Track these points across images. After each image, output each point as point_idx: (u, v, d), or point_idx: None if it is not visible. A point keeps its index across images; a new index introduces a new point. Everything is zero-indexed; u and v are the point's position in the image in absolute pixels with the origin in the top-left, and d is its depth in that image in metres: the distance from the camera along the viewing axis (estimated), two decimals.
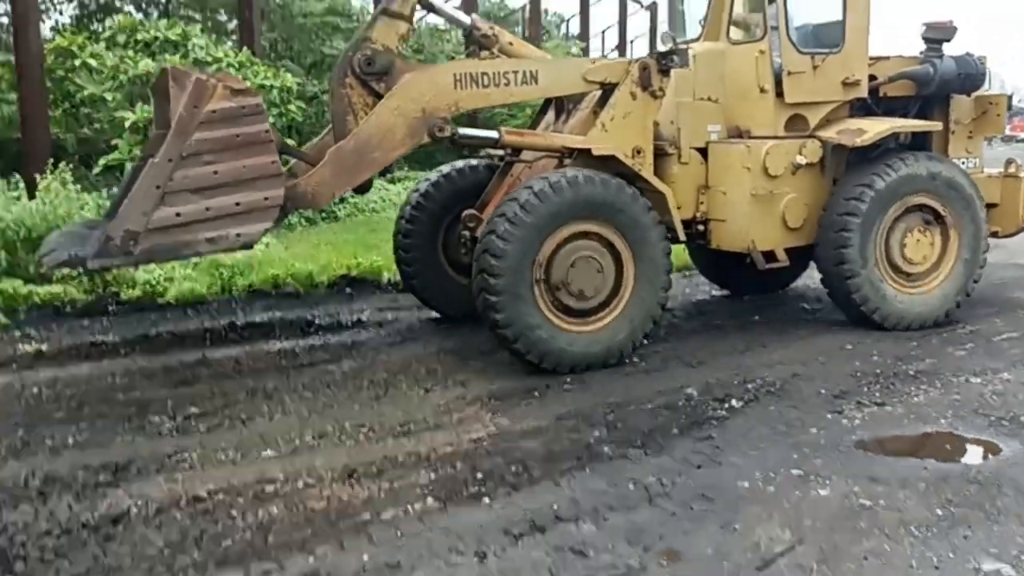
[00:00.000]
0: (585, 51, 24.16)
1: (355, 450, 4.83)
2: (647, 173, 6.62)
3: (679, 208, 6.82)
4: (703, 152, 7.15)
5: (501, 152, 6.87)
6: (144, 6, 16.74)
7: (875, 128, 7.04)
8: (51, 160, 9.15)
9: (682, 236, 6.77)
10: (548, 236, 5.99)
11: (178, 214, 5.15)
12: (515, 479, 4.40)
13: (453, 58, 20.40)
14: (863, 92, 7.32)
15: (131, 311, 8.00)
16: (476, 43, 7.07)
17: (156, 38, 11.85)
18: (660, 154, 6.92)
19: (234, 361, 6.59)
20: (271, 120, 11.17)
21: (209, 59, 11.94)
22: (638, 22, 31.95)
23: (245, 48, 13.06)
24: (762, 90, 7.09)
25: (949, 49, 7.70)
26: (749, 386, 5.76)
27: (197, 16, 16.90)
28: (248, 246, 5.57)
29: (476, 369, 6.36)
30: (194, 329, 7.41)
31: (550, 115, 7.43)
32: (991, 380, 5.77)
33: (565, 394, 5.78)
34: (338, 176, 5.97)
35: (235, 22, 15.63)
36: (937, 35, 7.67)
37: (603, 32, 32.26)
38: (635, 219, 6.22)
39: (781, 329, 7.41)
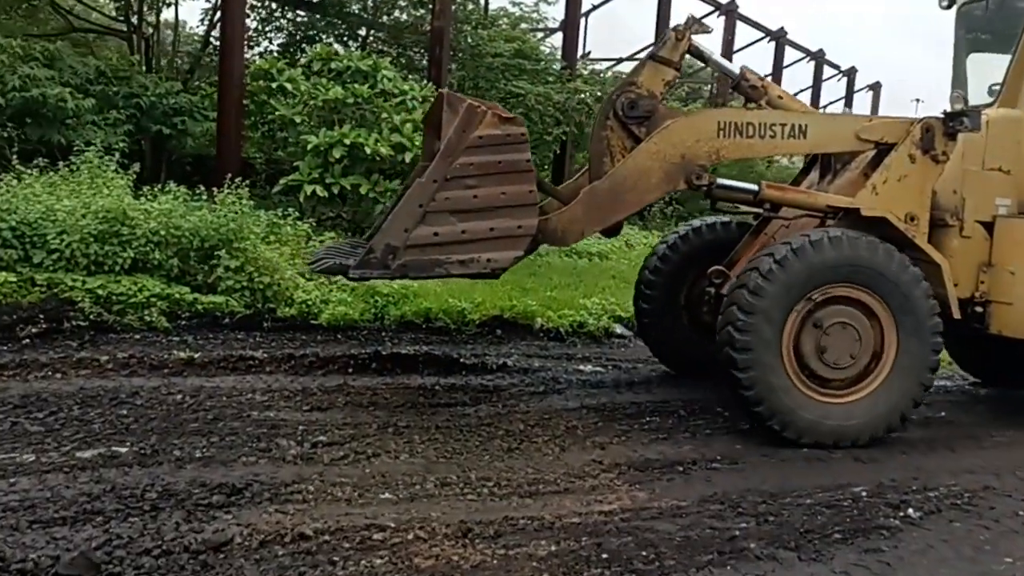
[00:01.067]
0: None
1: (476, 505, 4.48)
2: (921, 241, 6.10)
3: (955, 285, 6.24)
4: (988, 227, 6.54)
5: (752, 209, 6.67)
6: (345, 39, 17.46)
7: None
8: (235, 177, 9.46)
9: (957, 314, 6.16)
10: (803, 297, 5.64)
11: (436, 234, 5.29)
12: (644, 566, 3.91)
13: None
14: None
15: (284, 328, 8.06)
16: (744, 94, 6.84)
17: (348, 68, 12.21)
18: (938, 225, 6.42)
19: (372, 392, 6.43)
20: None
21: (396, 91, 12.19)
22: (833, 87, 30.75)
23: (430, 83, 13.28)
24: None
25: None
26: (930, 494, 4.99)
27: (392, 51, 17.47)
28: (496, 273, 5.57)
29: (618, 432, 5.90)
30: (340, 354, 7.33)
31: (814, 174, 7.10)
32: None
33: (713, 473, 5.22)
34: (589, 215, 5.91)
35: (427, 59, 16.01)
36: None
37: (796, 94, 31.10)
38: (902, 288, 5.73)
39: (973, 431, 6.51)
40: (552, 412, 6.28)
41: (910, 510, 4.72)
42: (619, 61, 23.98)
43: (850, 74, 30.19)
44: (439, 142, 5.75)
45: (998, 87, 6.98)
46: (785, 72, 27.88)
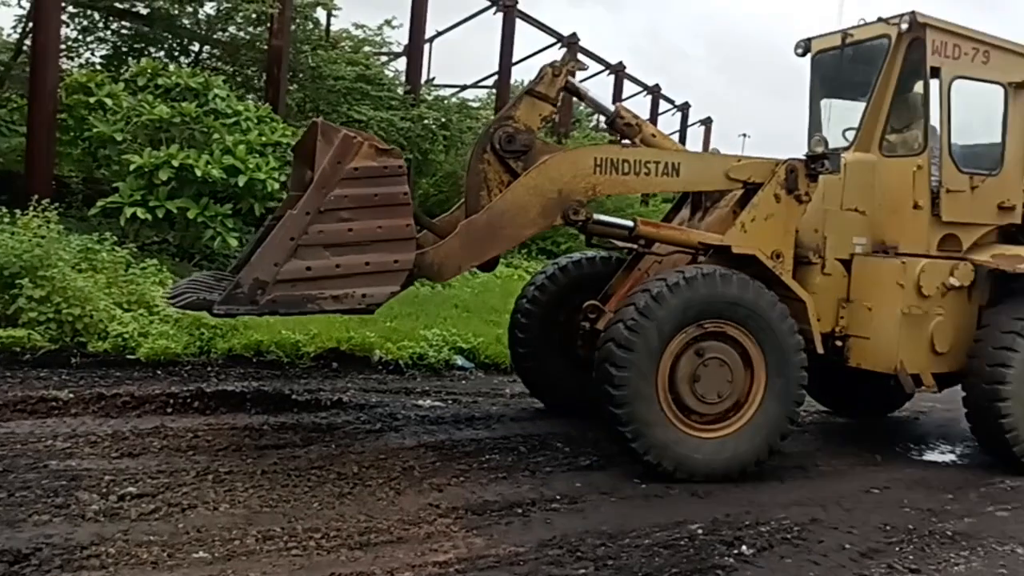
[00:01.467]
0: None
1: (301, 561, 4.15)
2: (788, 278, 6.28)
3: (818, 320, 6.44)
4: (846, 264, 6.86)
5: (626, 245, 6.75)
6: (176, 54, 16.58)
7: None
8: (45, 197, 8.67)
9: (821, 349, 6.40)
10: (678, 333, 5.71)
11: (308, 268, 5.06)
12: None
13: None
14: (1017, 218, 7.13)
15: (96, 365, 7.39)
16: (619, 132, 6.87)
17: (177, 84, 11.53)
18: (801, 262, 6.65)
19: (192, 434, 5.94)
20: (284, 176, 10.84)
21: (229, 111, 11.61)
22: (670, 120, 32.02)
23: (266, 104, 12.75)
24: (916, 206, 6.87)
25: None
26: (763, 529, 5.04)
27: (228, 69, 16.73)
28: (371, 309, 5.36)
29: (457, 472, 5.68)
30: (158, 393, 6.76)
31: (684, 211, 7.22)
32: None
33: (553, 515, 5.08)
34: (467, 249, 5.79)
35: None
36: None
37: None
38: (771, 324, 5.89)
39: (800, 461, 6.68)
40: (388, 452, 6.00)
41: (744, 547, 4.73)
42: (463, 88, 24.06)
43: (684, 109, 31.53)
44: (311, 172, 5.61)
45: (853, 131, 7.36)
46: (625, 104, 28.68)
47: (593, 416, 6.84)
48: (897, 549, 4.89)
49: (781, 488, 5.92)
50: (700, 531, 4.92)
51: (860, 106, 7.40)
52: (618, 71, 27.17)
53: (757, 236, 6.23)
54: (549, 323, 7.38)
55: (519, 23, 21.92)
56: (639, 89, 29.25)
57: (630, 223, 6.29)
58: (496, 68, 21.75)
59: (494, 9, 20.94)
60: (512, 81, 23.01)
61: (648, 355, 5.61)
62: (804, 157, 6.44)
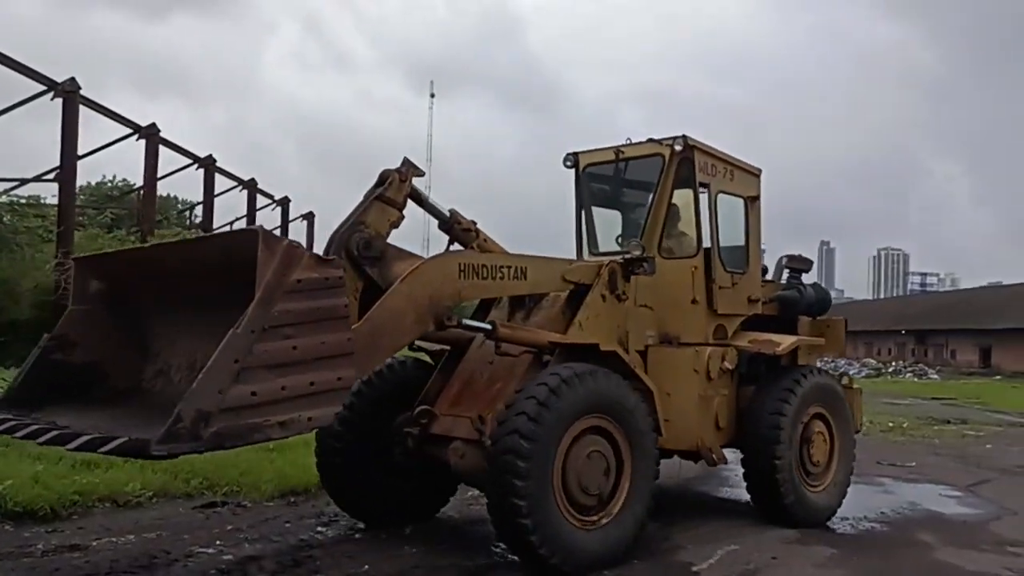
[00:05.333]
0: None
1: None
2: (640, 371, 6.80)
3: None
4: (642, 355, 7.51)
5: (443, 347, 7.08)
6: None
7: (787, 340, 8.09)
8: None
9: (663, 432, 6.75)
10: (570, 426, 5.88)
11: (253, 393, 4.55)
12: None
13: (44, 236, 17.24)
14: (759, 309, 8.39)
15: None
16: (455, 237, 6.99)
17: None
18: None
19: None
20: None
21: None
22: (270, 215, 30.79)
23: None
24: (694, 301, 7.80)
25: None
26: None
27: None
28: (301, 432, 4.86)
29: None
30: None
31: (497, 312, 7.21)
32: None
33: None
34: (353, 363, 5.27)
35: None
36: (799, 266, 9.18)
37: (232, 223, 30.61)
38: (636, 414, 6.32)
39: None
40: None
41: None
42: (22, 183, 20.17)
43: (284, 203, 30.44)
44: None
45: (623, 238, 8.39)
46: (218, 200, 27.01)
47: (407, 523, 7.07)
48: None
49: None
50: None
51: (630, 214, 8.56)
52: (208, 165, 25.38)
53: (592, 333, 6.73)
54: (367, 431, 6.98)
55: (88, 112, 19.31)
56: (233, 184, 27.70)
57: (488, 326, 6.44)
58: (58, 163, 18.65)
59: (52, 95, 18.01)
60: (82, 179, 20.05)
61: (548, 447, 5.70)
62: (622, 260, 7.17)
